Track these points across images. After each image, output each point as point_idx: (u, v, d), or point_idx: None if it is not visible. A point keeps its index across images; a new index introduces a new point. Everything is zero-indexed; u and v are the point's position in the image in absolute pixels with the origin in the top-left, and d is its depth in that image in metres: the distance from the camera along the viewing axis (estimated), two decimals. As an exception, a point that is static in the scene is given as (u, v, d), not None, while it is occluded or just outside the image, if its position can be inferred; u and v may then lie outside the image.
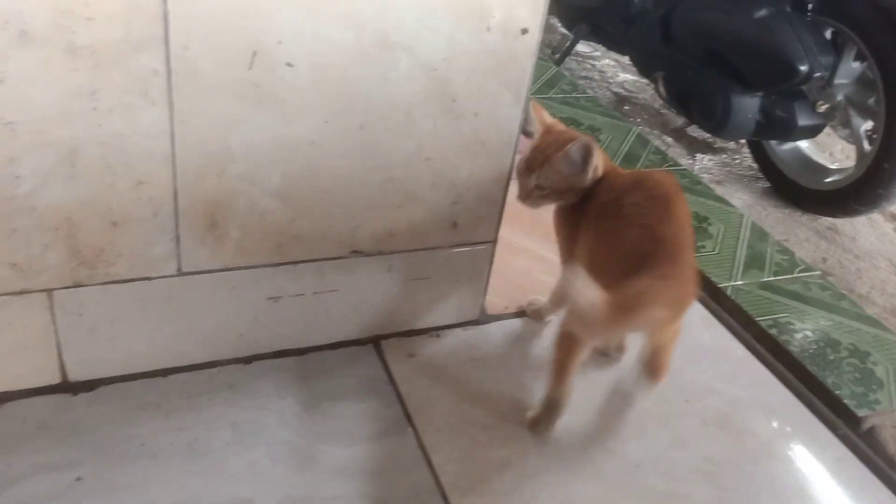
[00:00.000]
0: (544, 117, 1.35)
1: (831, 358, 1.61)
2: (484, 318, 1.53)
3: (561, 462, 1.26)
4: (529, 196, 1.31)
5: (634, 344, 1.41)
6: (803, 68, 2.15)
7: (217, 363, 1.33)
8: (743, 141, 2.73)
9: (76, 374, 1.25)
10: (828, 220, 2.43)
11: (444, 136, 1.25)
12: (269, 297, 1.30)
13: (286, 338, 1.37)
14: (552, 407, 1.28)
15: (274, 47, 1.07)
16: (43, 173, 1.04)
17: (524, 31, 1.20)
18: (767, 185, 2.56)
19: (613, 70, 3.32)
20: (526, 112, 1.31)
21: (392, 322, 1.44)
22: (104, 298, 1.19)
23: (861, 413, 1.47)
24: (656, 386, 1.33)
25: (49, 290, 1.15)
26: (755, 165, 2.62)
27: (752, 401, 1.45)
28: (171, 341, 1.28)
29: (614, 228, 1.23)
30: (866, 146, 2.24)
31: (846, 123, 2.31)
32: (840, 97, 2.28)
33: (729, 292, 1.78)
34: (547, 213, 1.43)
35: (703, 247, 1.96)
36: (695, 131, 2.85)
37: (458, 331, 1.50)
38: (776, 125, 2.31)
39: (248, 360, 1.35)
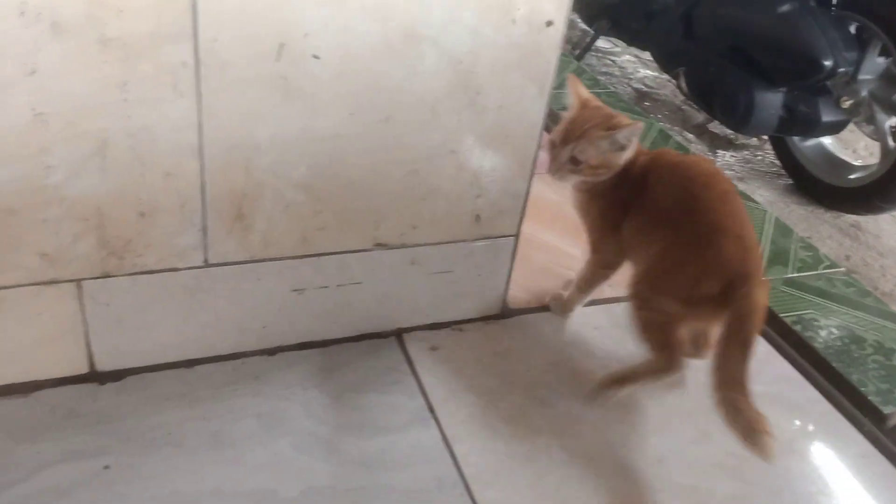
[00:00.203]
0: (580, 91, 1.36)
1: (856, 355, 1.60)
2: (506, 312, 1.53)
3: (584, 456, 1.26)
4: (560, 169, 1.32)
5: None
6: (827, 63, 2.13)
7: (242, 354, 1.34)
8: (765, 137, 2.71)
9: (104, 364, 1.26)
10: (851, 218, 2.41)
11: (468, 128, 1.26)
12: (293, 289, 1.31)
13: (310, 330, 1.37)
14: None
15: (301, 40, 1.08)
16: (74, 164, 1.06)
17: (549, 24, 1.20)
18: (790, 181, 2.55)
19: (633, 66, 3.31)
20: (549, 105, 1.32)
21: (414, 315, 1.45)
22: (132, 289, 1.20)
23: (886, 410, 1.45)
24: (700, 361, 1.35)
25: (78, 281, 1.17)
26: (777, 162, 2.60)
27: (775, 397, 1.44)
28: (197, 332, 1.29)
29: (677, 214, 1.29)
30: (891, 143, 2.22)
31: (870, 119, 2.30)
32: (864, 93, 2.26)
33: (752, 288, 1.76)
34: (568, 207, 1.43)
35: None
36: (716, 127, 2.83)
37: (480, 324, 1.50)
38: (799, 121, 2.30)
39: (272, 352, 1.36)
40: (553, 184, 1.37)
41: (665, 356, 1.32)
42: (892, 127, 2.24)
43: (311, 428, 1.24)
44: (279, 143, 1.15)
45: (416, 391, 1.34)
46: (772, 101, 2.29)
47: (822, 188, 2.43)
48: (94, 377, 1.26)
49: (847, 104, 2.27)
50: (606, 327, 1.53)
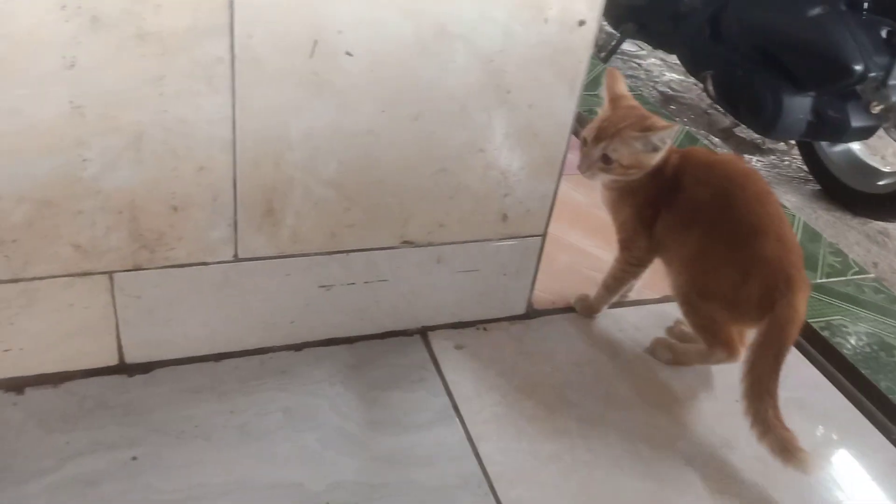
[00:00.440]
0: (616, 87, 1.37)
1: (884, 361, 1.58)
2: (531, 313, 1.53)
3: (609, 457, 1.26)
4: (591, 167, 1.32)
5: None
6: (858, 68, 2.11)
7: (269, 349, 1.35)
8: (793, 142, 2.69)
9: (133, 356, 1.28)
10: (879, 225, 2.38)
11: (497, 127, 1.26)
12: (320, 285, 1.32)
13: (336, 326, 1.38)
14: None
15: (334, 36, 1.08)
16: (110, 157, 1.07)
17: (581, 23, 1.20)
18: (817, 187, 2.52)
19: (659, 69, 3.30)
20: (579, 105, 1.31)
21: (440, 313, 1.45)
22: (162, 282, 1.21)
23: (916, 418, 1.44)
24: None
25: (110, 273, 1.18)
26: (805, 167, 2.58)
27: (802, 402, 1.42)
28: (225, 326, 1.30)
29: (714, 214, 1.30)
30: (921, 149, 2.20)
31: (900, 125, 2.27)
32: (894, 98, 2.23)
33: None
34: (594, 208, 1.42)
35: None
36: (743, 131, 2.81)
37: (504, 324, 1.50)
38: (828, 126, 2.27)
39: (298, 347, 1.37)
40: (581, 183, 1.36)
41: (721, 350, 1.35)
42: (922, 133, 2.22)
43: (337, 423, 1.24)
44: (311, 138, 1.16)
45: (441, 389, 1.34)
46: (800, 106, 2.27)
47: (851, 194, 2.41)
48: (124, 369, 1.27)
49: (877, 109, 2.24)
50: (631, 329, 1.53)
